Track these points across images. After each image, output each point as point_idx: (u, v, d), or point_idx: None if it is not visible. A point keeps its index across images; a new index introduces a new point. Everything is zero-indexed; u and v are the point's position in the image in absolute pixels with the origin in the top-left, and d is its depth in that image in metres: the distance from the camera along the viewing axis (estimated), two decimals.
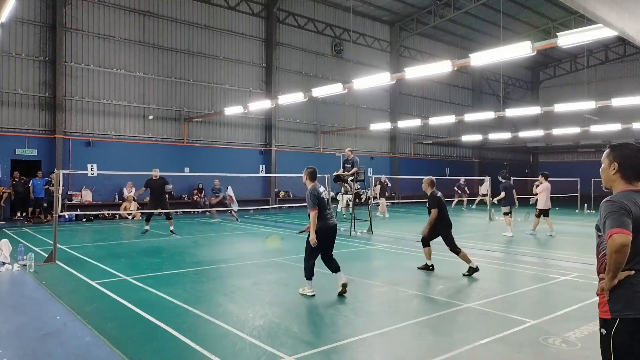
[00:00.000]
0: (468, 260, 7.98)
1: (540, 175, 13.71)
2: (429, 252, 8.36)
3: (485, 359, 4.39)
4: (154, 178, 12.96)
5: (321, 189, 6.71)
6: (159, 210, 13.46)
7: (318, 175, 6.93)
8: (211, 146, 22.48)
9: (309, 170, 6.84)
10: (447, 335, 5.00)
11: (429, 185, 8.35)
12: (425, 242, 8.37)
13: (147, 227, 13.02)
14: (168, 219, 13.39)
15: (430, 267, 8.38)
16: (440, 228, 8.19)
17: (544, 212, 13.54)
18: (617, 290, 2.53)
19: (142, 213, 13.89)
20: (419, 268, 8.45)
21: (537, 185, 13.75)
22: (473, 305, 6.09)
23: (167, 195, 13.37)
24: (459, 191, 25.16)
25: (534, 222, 13.89)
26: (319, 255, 6.61)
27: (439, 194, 8.29)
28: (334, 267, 6.62)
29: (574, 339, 4.81)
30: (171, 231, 13.14)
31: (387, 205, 21.76)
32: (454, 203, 24.65)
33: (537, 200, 13.80)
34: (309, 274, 6.54)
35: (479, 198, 25.76)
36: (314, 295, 6.46)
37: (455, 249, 8.09)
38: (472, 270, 7.93)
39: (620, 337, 2.51)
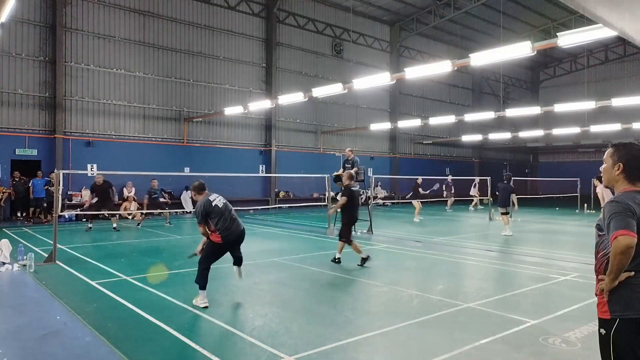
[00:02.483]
0: (359, 251, 8.63)
1: (594, 179, 12.65)
2: (355, 247, 8.77)
3: (485, 359, 4.39)
4: (97, 183, 13.94)
5: (212, 197, 6.24)
6: (106, 211, 14.35)
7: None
8: (211, 146, 22.48)
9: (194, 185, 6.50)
10: (447, 335, 5.00)
11: (348, 178, 9.07)
12: (348, 240, 8.78)
13: (90, 225, 14.11)
14: (112, 217, 14.48)
15: (367, 257, 8.64)
16: (348, 217, 8.84)
17: None
18: (617, 291, 2.53)
19: (88, 214, 14.60)
20: (359, 265, 8.59)
21: (596, 187, 12.51)
22: (473, 305, 6.08)
23: (113, 197, 14.52)
24: (445, 190, 24.27)
25: None
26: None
27: (355, 189, 9.11)
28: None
29: (574, 339, 4.81)
30: (114, 228, 14.09)
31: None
32: (450, 203, 24.22)
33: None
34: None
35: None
36: (206, 307, 5.84)
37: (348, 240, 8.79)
38: (335, 260, 8.72)
39: (620, 337, 2.51)
